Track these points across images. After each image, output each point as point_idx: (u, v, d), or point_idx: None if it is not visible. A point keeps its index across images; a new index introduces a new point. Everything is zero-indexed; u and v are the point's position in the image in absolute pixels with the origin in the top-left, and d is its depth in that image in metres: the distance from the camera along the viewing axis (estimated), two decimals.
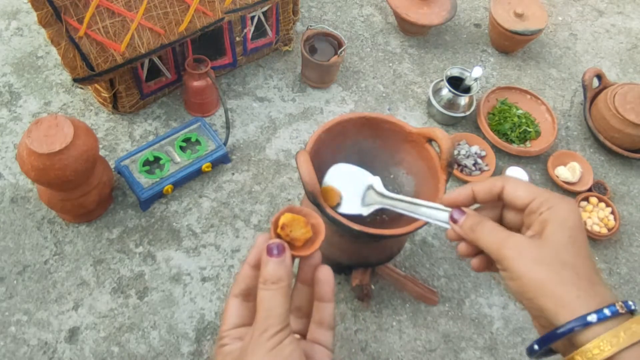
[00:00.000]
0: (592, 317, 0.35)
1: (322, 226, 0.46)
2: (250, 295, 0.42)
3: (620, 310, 0.36)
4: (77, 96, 1.06)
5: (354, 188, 0.66)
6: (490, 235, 0.42)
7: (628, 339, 0.35)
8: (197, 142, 0.98)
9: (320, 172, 0.77)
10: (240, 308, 0.42)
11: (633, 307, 0.37)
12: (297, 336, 0.43)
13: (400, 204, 0.57)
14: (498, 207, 0.46)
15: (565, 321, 0.36)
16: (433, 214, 0.52)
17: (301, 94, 1.12)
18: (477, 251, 0.45)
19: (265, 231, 0.93)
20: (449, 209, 0.48)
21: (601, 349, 0.35)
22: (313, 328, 0.43)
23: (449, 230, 0.47)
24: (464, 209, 0.46)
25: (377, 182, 0.64)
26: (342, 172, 0.69)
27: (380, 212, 0.81)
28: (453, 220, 0.46)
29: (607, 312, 0.36)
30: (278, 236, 0.43)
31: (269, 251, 0.40)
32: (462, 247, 0.46)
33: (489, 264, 0.45)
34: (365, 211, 0.64)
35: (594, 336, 0.35)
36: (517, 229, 0.44)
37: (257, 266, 0.41)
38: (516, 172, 1.02)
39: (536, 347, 0.41)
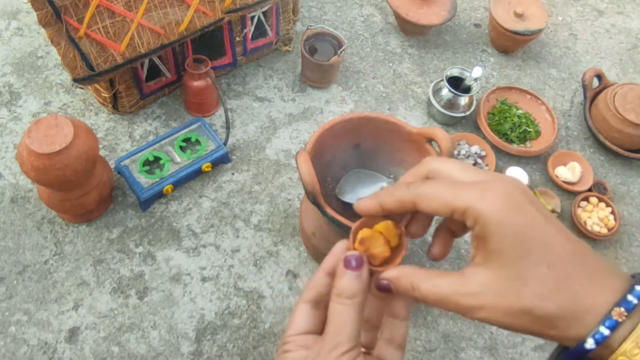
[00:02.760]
0: (605, 327, 0.30)
1: (404, 241, 0.42)
2: (320, 303, 0.39)
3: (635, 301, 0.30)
4: (77, 96, 1.06)
5: (368, 188, 0.79)
6: (438, 297, 0.34)
7: None
8: (197, 142, 0.98)
9: (320, 172, 0.77)
10: (309, 315, 0.39)
11: None
12: (363, 350, 0.39)
13: None
14: (427, 219, 0.39)
15: (582, 339, 0.31)
16: None
17: (301, 94, 1.12)
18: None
19: (264, 231, 0.93)
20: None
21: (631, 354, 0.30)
22: (382, 344, 0.39)
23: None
24: (389, 274, 0.37)
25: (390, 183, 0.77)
26: (358, 175, 0.81)
27: None
28: (381, 288, 0.37)
29: (616, 316, 0.30)
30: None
31: (347, 263, 0.37)
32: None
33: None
34: None
35: (624, 335, 0.30)
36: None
37: (332, 274, 0.38)
38: (516, 172, 1.02)
39: None
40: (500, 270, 0.32)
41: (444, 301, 0.34)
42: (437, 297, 0.34)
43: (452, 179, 0.35)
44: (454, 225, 0.39)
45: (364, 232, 0.42)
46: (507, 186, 0.32)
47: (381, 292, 0.37)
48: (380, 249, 0.42)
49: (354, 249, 0.41)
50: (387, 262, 0.42)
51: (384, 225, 0.43)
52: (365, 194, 0.57)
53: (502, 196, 0.31)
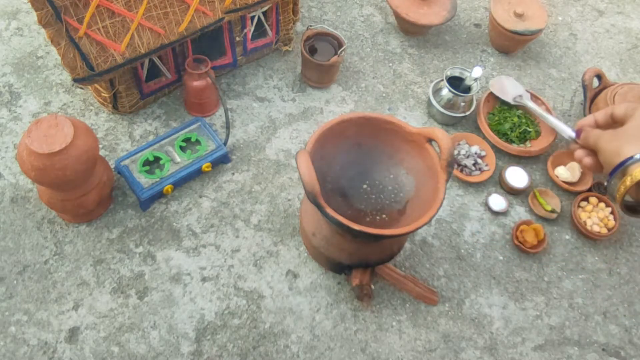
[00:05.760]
0: (637, 155, 0.55)
1: (546, 237, 0.95)
2: None
3: None
4: (77, 96, 1.06)
5: (511, 87, 1.11)
6: (592, 136, 0.62)
7: None
8: (197, 142, 0.98)
9: (321, 172, 0.77)
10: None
11: None
12: None
13: (535, 109, 1.05)
14: (612, 126, 0.63)
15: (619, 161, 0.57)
16: (558, 125, 0.94)
17: (301, 94, 1.12)
18: (589, 154, 0.64)
19: (264, 231, 0.93)
20: (569, 127, 0.86)
21: None
22: None
23: (572, 144, 0.68)
24: (585, 127, 0.65)
25: (525, 94, 1.09)
26: (505, 79, 1.13)
27: (381, 212, 0.82)
28: (578, 135, 0.66)
29: None
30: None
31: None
32: (579, 152, 0.65)
33: (598, 164, 0.63)
34: (513, 101, 1.09)
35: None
36: None
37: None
38: (516, 172, 1.02)
39: (605, 183, 0.65)
40: (620, 129, 0.60)
41: (591, 143, 0.62)
42: (590, 141, 0.63)
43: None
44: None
45: (522, 227, 0.95)
46: None
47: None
48: (530, 238, 0.94)
49: (516, 236, 0.95)
50: (534, 247, 0.94)
51: (535, 226, 0.95)
52: (511, 93, 1.11)
53: None
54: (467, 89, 1.07)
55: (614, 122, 0.63)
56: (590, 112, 1.12)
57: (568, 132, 0.96)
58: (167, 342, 0.82)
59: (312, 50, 1.10)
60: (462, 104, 1.08)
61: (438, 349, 0.85)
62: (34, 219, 0.91)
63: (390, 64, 1.19)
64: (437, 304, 0.89)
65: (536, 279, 0.93)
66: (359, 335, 0.85)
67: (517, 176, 1.01)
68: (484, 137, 1.07)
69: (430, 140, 0.77)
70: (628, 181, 0.56)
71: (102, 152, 0.98)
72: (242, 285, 0.88)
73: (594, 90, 1.13)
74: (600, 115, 0.65)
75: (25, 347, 0.80)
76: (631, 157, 0.56)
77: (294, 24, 1.16)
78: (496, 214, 1.00)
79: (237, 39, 1.06)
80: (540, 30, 1.17)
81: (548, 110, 1.10)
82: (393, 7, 1.17)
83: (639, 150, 0.56)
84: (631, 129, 0.59)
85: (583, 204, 1.00)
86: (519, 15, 1.17)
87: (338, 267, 0.87)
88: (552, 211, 0.99)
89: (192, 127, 0.99)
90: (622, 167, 0.57)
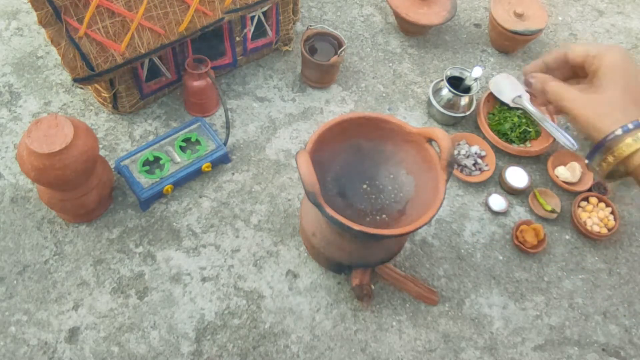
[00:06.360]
0: (618, 131, 0.51)
1: (545, 237, 0.95)
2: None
3: None
4: (77, 96, 1.06)
5: (510, 88, 1.08)
6: (554, 91, 0.57)
7: None
8: (197, 142, 0.98)
9: (321, 172, 0.77)
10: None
11: None
12: None
13: (534, 112, 1.01)
14: (567, 70, 0.59)
15: (600, 138, 0.53)
16: (554, 131, 0.98)
17: (301, 94, 1.12)
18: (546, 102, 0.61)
19: (264, 231, 0.93)
20: (567, 135, 0.94)
21: (628, 146, 0.51)
22: None
23: (532, 98, 0.63)
24: (533, 74, 0.59)
25: (525, 95, 1.03)
26: (504, 79, 1.11)
27: (381, 212, 0.82)
28: (527, 84, 0.60)
29: (630, 125, 0.51)
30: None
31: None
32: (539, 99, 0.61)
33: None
34: (512, 103, 1.06)
35: (622, 141, 0.51)
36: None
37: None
38: (516, 172, 1.02)
39: (586, 161, 0.59)
40: (591, 89, 0.55)
41: (554, 100, 0.57)
42: (552, 97, 0.57)
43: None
44: (578, 70, 0.59)
45: (522, 227, 0.94)
46: (623, 52, 0.55)
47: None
48: (530, 238, 0.93)
49: (516, 236, 0.94)
50: (534, 247, 0.93)
51: (535, 226, 0.94)
52: (510, 95, 1.07)
53: (618, 54, 0.54)
54: (467, 89, 1.07)
55: (569, 67, 0.58)
56: None
57: (564, 140, 0.98)
58: (167, 342, 0.82)
59: (312, 50, 1.10)
60: (462, 104, 1.08)
61: (438, 349, 0.85)
62: (34, 219, 0.91)
63: (390, 64, 1.19)
64: (437, 304, 0.89)
65: (536, 279, 0.93)
66: (359, 335, 0.85)
67: (517, 176, 1.01)
68: (484, 137, 1.07)
69: (430, 140, 0.77)
70: (611, 159, 0.53)
71: (102, 152, 0.98)
72: (242, 285, 0.88)
73: None
74: (550, 58, 0.59)
75: (25, 347, 0.80)
76: (612, 133, 0.52)
77: (294, 24, 1.16)
78: (496, 214, 1.00)
79: (237, 39, 1.06)
80: (540, 30, 1.17)
81: (548, 109, 1.10)
82: (393, 7, 1.17)
83: (620, 123, 0.52)
84: (610, 97, 0.53)
85: (583, 204, 1.00)
86: (519, 15, 1.17)
87: (338, 267, 0.87)
88: (552, 211, 0.99)
89: (192, 127, 0.99)
90: (604, 144, 0.53)
